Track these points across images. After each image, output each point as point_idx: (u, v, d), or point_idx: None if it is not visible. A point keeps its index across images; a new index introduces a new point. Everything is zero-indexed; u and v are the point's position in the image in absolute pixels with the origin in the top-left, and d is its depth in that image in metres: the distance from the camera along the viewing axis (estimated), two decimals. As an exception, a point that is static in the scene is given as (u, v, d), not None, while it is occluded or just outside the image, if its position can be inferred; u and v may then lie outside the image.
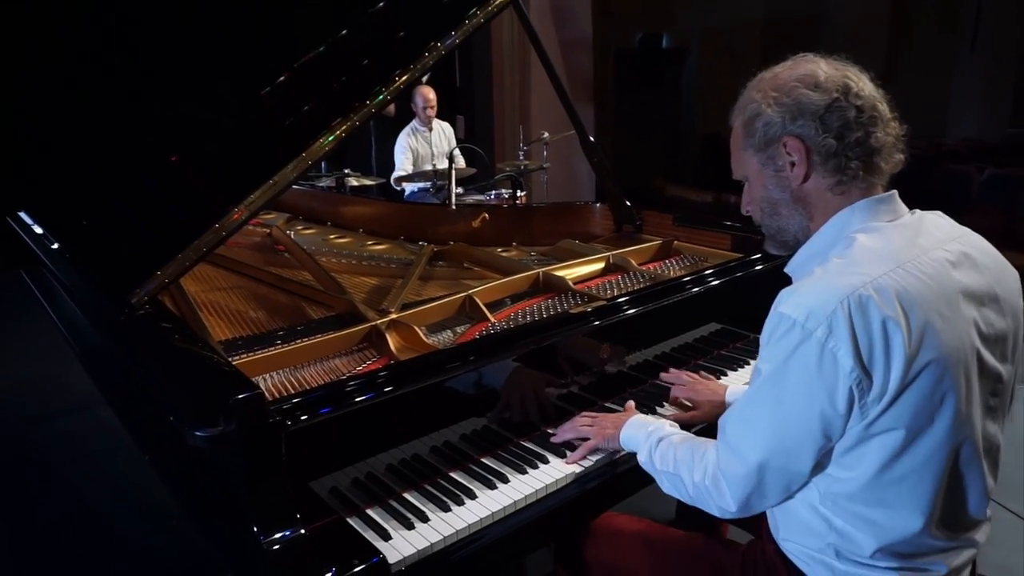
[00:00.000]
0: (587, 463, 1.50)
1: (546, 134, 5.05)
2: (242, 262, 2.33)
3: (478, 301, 1.90)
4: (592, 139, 2.54)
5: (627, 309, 1.79)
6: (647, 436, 1.39)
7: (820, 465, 1.13)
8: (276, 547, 1.15)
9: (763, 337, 1.13)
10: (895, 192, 1.20)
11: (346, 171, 3.88)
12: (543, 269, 2.13)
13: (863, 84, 1.16)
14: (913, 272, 1.08)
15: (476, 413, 1.55)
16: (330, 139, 1.70)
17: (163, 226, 1.66)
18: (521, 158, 5.01)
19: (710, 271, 2.05)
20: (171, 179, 1.68)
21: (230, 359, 1.53)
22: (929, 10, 6.55)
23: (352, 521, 1.31)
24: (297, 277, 2.24)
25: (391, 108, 6.22)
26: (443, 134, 5.72)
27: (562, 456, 1.52)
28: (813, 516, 1.17)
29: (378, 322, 1.72)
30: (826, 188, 1.17)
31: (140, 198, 1.87)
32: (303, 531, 1.19)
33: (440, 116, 5.68)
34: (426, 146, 5.52)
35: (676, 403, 1.75)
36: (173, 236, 1.58)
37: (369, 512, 1.34)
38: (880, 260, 1.09)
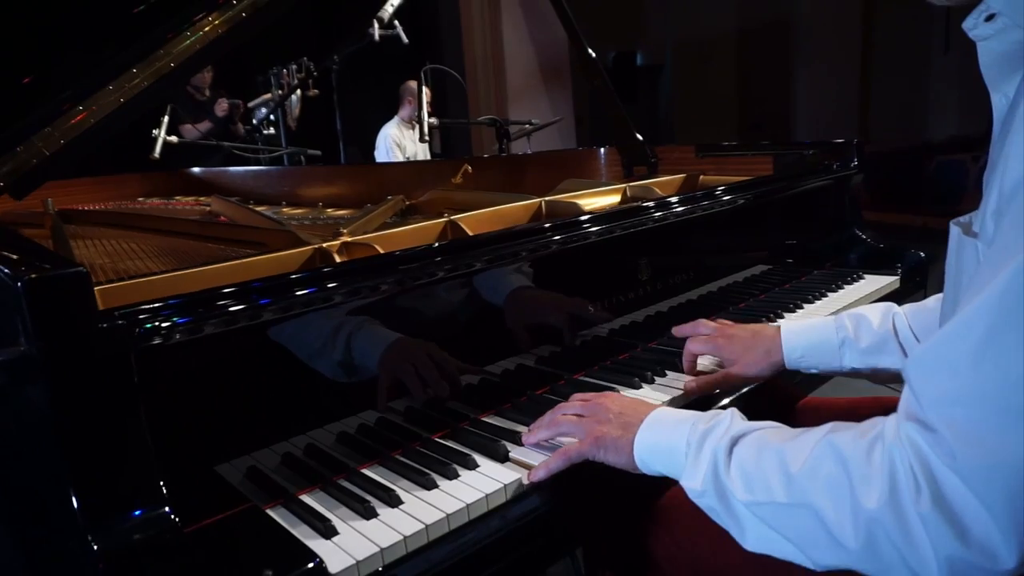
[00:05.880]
0: None
1: (534, 120, 4.62)
2: (158, 216, 1.82)
3: (464, 228, 1.40)
4: (592, 53, 2.07)
5: (660, 214, 1.31)
6: (699, 439, 0.75)
7: None
8: (117, 550, 0.63)
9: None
10: None
11: (308, 151, 3.38)
12: (546, 198, 1.65)
13: None
14: None
15: (473, 361, 1.05)
16: (192, 39, 1.33)
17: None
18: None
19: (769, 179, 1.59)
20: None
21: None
22: (900, 15, 6.41)
23: (275, 512, 0.79)
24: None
25: (225, 106, 4.81)
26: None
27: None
28: None
29: (325, 244, 1.22)
30: None
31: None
32: (174, 517, 0.67)
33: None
34: (412, 145, 5.24)
35: (692, 369, 1.12)
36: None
37: (304, 498, 0.82)
38: None
